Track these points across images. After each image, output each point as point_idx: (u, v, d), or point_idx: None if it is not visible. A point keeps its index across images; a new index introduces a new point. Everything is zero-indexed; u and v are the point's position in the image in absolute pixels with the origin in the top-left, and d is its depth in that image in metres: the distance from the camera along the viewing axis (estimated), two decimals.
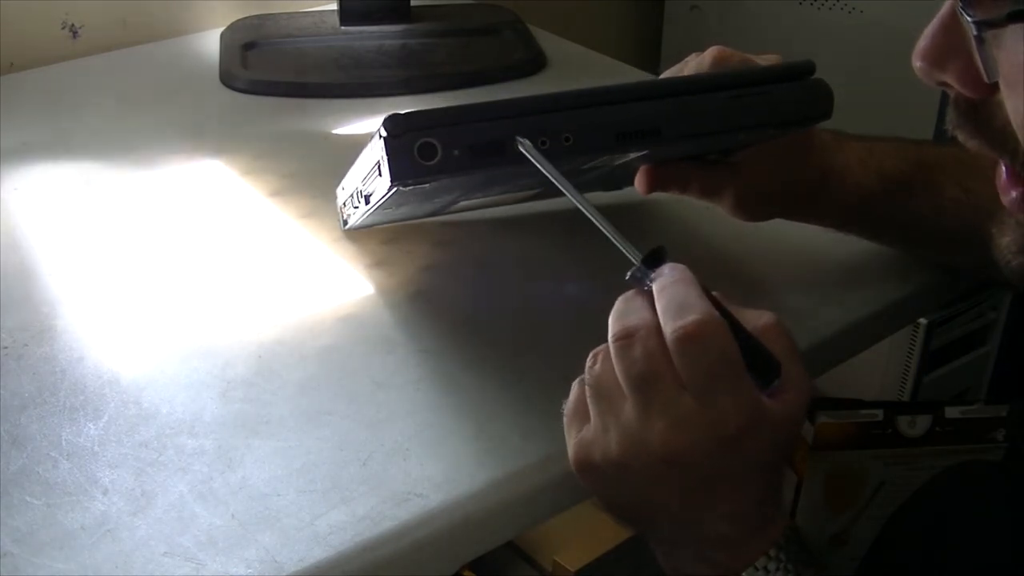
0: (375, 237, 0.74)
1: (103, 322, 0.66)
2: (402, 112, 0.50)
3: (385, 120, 0.50)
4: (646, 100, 0.55)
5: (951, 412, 0.91)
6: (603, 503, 0.51)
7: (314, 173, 0.83)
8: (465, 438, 0.56)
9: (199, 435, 0.56)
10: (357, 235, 0.74)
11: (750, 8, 1.38)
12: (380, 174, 0.53)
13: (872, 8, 1.23)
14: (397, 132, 0.50)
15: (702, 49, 0.62)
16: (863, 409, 0.90)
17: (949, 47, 0.40)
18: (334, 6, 1.09)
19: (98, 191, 0.81)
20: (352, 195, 0.65)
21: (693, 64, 0.62)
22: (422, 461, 0.54)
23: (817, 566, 0.49)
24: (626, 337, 0.47)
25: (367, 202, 0.61)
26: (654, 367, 0.46)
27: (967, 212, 0.64)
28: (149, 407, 0.58)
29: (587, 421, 0.49)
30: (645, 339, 0.46)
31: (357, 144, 0.60)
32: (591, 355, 0.49)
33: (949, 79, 0.41)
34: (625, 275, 0.49)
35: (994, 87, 0.40)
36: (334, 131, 0.93)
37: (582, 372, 0.50)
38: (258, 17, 1.12)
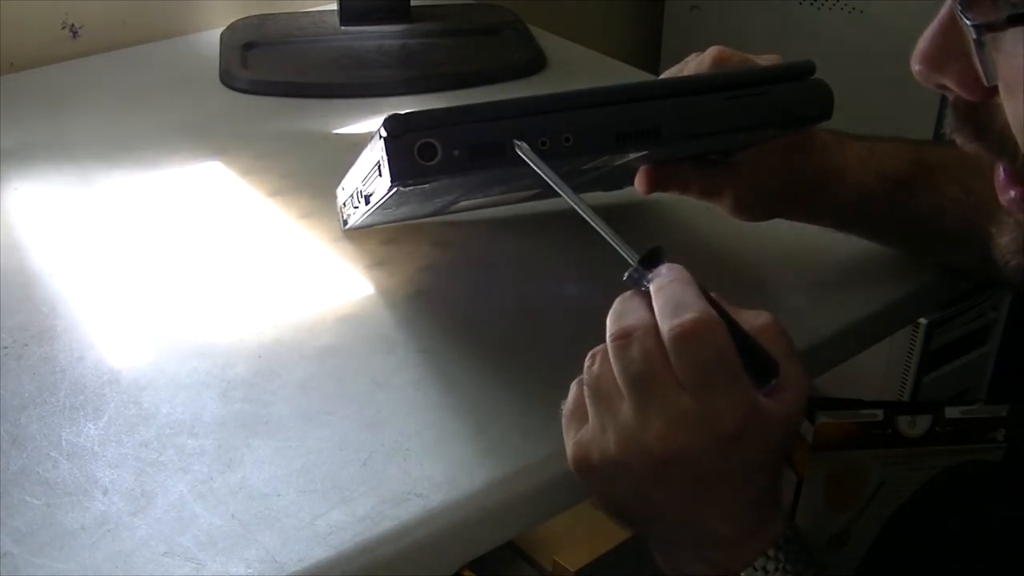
0: (375, 237, 0.74)
1: (103, 322, 0.66)
2: (402, 112, 0.50)
3: (385, 120, 0.50)
4: (646, 100, 0.55)
5: (951, 412, 0.90)
6: (602, 503, 0.51)
7: (314, 173, 0.83)
8: (465, 438, 0.56)
9: (199, 435, 0.56)
10: (357, 235, 0.74)
11: (750, 8, 1.38)
12: (380, 174, 0.53)
13: (872, 8, 1.23)
14: (397, 132, 0.50)
15: (702, 49, 0.62)
16: (863, 409, 0.89)
17: (948, 50, 0.40)
18: (334, 6, 1.09)
19: (98, 191, 0.81)
20: (352, 195, 0.65)
21: (693, 64, 0.62)
22: (422, 461, 0.54)
23: (816, 566, 0.49)
24: (624, 337, 0.47)
25: (367, 202, 0.61)
26: (651, 366, 0.46)
27: (967, 212, 0.64)
28: (149, 407, 0.58)
29: (586, 421, 0.49)
30: (643, 339, 0.46)
31: (357, 144, 0.60)
32: (589, 355, 0.49)
33: (948, 82, 0.41)
34: (623, 275, 0.49)
35: (993, 90, 0.39)
36: (334, 131, 0.93)
37: (581, 372, 0.50)
38: (258, 17, 1.12)
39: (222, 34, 1.09)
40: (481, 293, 0.69)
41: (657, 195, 0.66)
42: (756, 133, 0.59)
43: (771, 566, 0.47)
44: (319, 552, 0.49)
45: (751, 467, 0.47)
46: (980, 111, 0.41)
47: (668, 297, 0.47)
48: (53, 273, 0.71)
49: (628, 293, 0.49)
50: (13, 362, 0.61)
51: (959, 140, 0.43)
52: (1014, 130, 0.40)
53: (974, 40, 0.39)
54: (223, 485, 0.52)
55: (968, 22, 0.38)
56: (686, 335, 0.45)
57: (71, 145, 0.89)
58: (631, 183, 0.67)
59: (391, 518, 0.51)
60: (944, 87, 0.42)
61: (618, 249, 0.49)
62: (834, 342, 0.65)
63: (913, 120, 1.14)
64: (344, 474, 0.53)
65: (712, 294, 0.48)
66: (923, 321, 1.20)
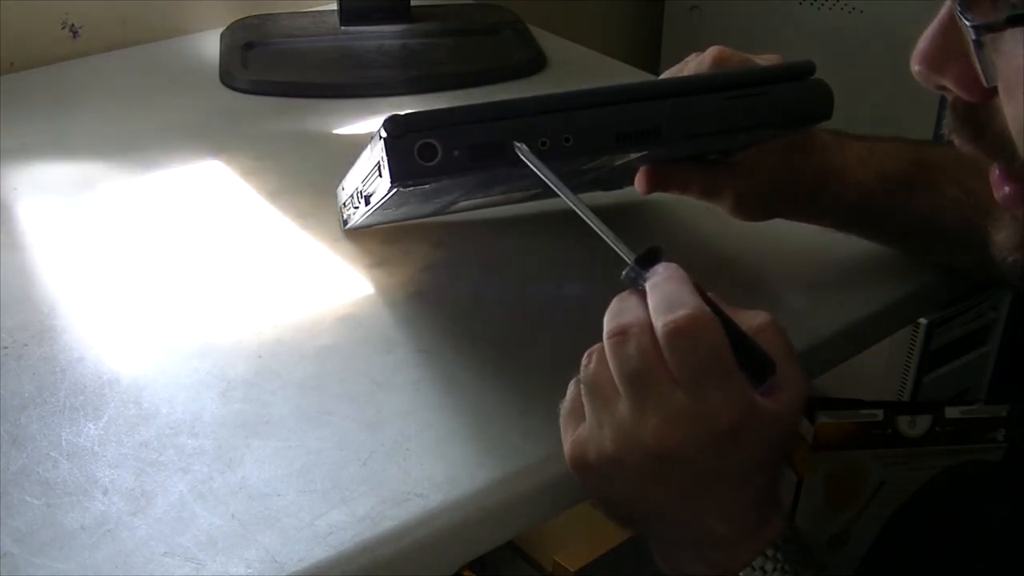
0: (375, 237, 0.74)
1: (103, 322, 0.66)
2: (402, 113, 0.50)
3: (385, 121, 0.50)
4: (646, 100, 0.55)
5: (951, 412, 0.91)
6: (600, 502, 0.51)
7: (314, 173, 0.83)
8: (465, 438, 0.56)
9: (199, 435, 0.56)
10: (357, 235, 0.74)
11: (750, 8, 1.37)
12: (380, 175, 0.53)
13: (872, 8, 1.23)
14: (397, 133, 0.50)
15: (702, 49, 0.62)
16: (863, 409, 0.90)
17: (947, 51, 0.40)
18: (334, 6, 1.09)
19: (98, 191, 0.81)
20: (352, 195, 0.65)
21: (693, 64, 0.62)
22: (422, 461, 0.54)
23: (815, 566, 0.49)
24: (620, 334, 0.47)
25: (367, 202, 0.61)
26: (647, 363, 0.46)
27: (967, 212, 0.64)
28: (149, 407, 0.58)
29: (583, 420, 0.49)
30: (639, 336, 0.46)
31: (357, 144, 0.60)
32: (586, 354, 0.49)
33: (947, 83, 0.41)
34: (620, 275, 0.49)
35: (993, 91, 0.39)
36: (334, 131, 0.93)
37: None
38: (258, 17, 1.12)
39: (222, 34, 1.09)
40: (481, 293, 0.69)
41: (657, 195, 0.66)
42: (756, 133, 0.59)
43: (770, 566, 0.47)
44: (319, 552, 0.49)
45: (749, 466, 0.47)
46: (979, 112, 0.41)
47: (662, 294, 0.47)
48: (53, 273, 0.71)
49: (625, 292, 0.50)
50: (13, 362, 0.61)
51: (958, 141, 0.44)
52: (1012, 131, 0.40)
53: (973, 41, 0.38)
54: (223, 485, 0.52)
55: (967, 23, 0.38)
56: (679, 331, 0.45)
57: (71, 145, 0.89)
58: (631, 183, 0.67)
59: (391, 518, 0.51)
60: (944, 88, 0.42)
61: (615, 249, 0.49)
62: (834, 342, 0.65)
63: (913, 120, 1.14)
64: (344, 474, 0.53)
65: (710, 294, 0.48)
66: (923, 321, 1.20)
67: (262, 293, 0.69)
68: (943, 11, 0.40)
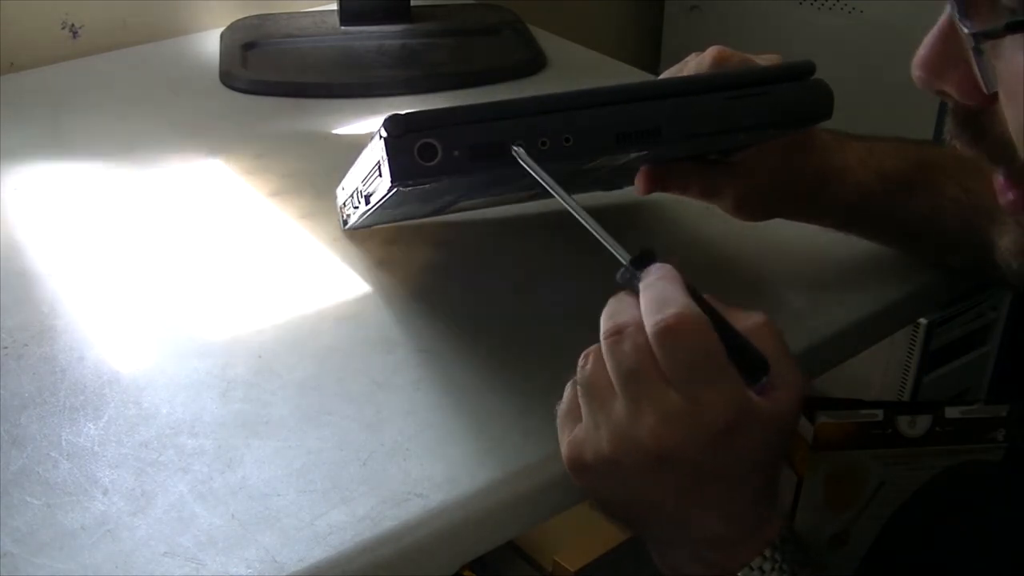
0: (375, 237, 0.74)
1: (103, 322, 0.66)
2: (402, 113, 0.50)
3: (385, 121, 0.50)
4: (646, 101, 0.55)
5: (951, 412, 0.91)
6: (598, 503, 0.51)
7: (314, 173, 0.83)
8: (465, 438, 0.56)
9: (199, 435, 0.56)
10: (357, 235, 0.74)
11: (750, 8, 1.37)
12: (380, 174, 0.53)
13: (872, 8, 1.23)
14: (397, 133, 0.50)
15: (702, 49, 0.62)
16: (863, 409, 0.90)
17: (948, 57, 0.40)
18: (334, 6, 1.09)
19: (98, 191, 0.81)
20: (352, 195, 0.65)
21: (693, 64, 0.62)
22: (422, 461, 0.54)
23: (813, 566, 0.49)
24: (615, 334, 0.47)
25: (367, 202, 0.61)
26: (643, 363, 0.46)
27: (967, 212, 0.64)
28: (149, 407, 0.58)
29: (580, 421, 0.49)
30: (634, 336, 0.47)
31: (357, 144, 0.60)
32: (583, 355, 0.49)
33: (948, 89, 0.41)
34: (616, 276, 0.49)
35: (993, 97, 0.40)
36: (334, 131, 0.93)
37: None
38: (258, 17, 1.12)
39: (222, 34, 1.09)
40: (481, 293, 0.69)
41: (657, 195, 0.66)
42: (756, 133, 0.59)
43: (768, 566, 0.47)
44: (319, 552, 0.49)
45: (746, 465, 0.47)
46: (980, 117, 0.41)
47: (653, 294, 0.47)
48: (53, 273, 0.71)
49: (621, 292, 0.50)
50: (13, 362, 0.61)
51: (959, 145, 0.44)
52: (1013, 136, 0.40)
53: (972, 48, 0.39)
54: (223, 485, 0.52)
55: (966, 30, 0.38)
56: (668, 330, 0.45)
57: (71, 145, 0.89)
58: (631, 183, 0.67)
59: (391, 518, 0.51)
60: (944, 93, 0.42)
61: (611, 250, 0.50)
62: (834, 342, 0.65)
63: (913, 120, 1.14)
64: (344, 474, 0.53)
65: (705, 295, 0.48)
66: (923, 321, 1.20)
67: (262, 293, 0.69)
68: (943, 18, 0.40)
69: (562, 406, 0.51)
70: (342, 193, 0.70)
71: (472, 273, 0.71)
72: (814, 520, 0.91)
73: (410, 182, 0.52)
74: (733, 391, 0.46)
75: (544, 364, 0.60)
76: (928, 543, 0.67)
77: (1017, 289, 0.96)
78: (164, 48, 1.10)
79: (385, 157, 0.51)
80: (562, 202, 0.50)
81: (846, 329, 0.66)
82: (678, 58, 0.64)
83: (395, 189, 0.52)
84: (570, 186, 0.51)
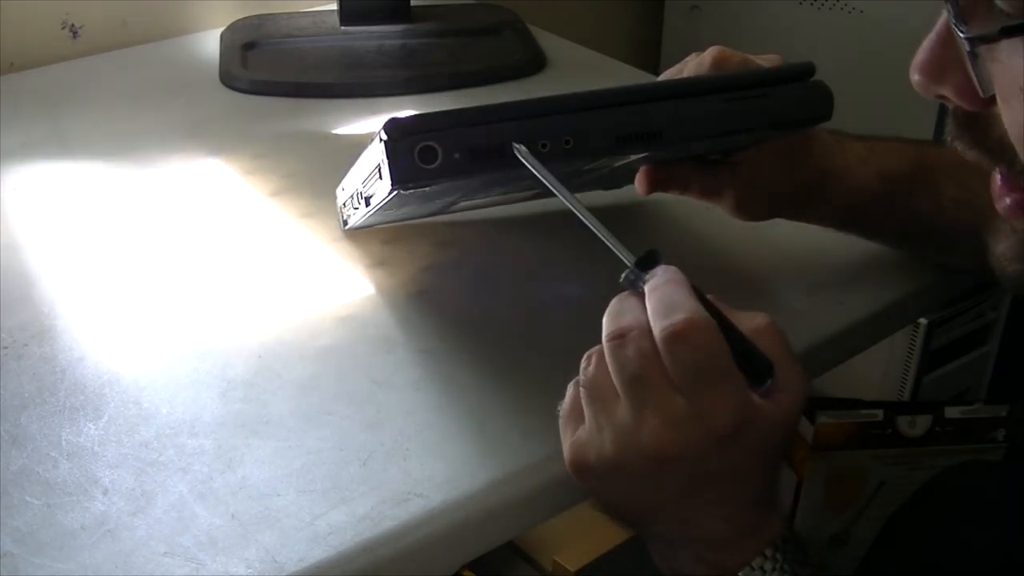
0: (375, 237, 0.74)
1: (103, 322, 0.66)
2: (402, 115, 0.50)
3: (386, 123, 0.50)
4: (646, 103, 0.55)
5: (951, 412, 0.91)
6: (599, 504, 0.51)
7: (314, 173, 0.83)
8: (465, 438, 0.56)
9: (199, 435, 0.56)
10: (357, 235, 0.74)
11: (750, 8, 1.37)
12: (380, 177, 0.53)
13: (872, 8, 1.23)
14: (398, 136, 0.50)
15: (702, 49, 0.62)
16: (863, 409, 0.90)
17: (946, 61, 0.40)
18: (334, 6, 1.09)
19: (98, 191, 0.81)
20: (352, 196, 0.65)
21: (693, 64, 0.62)
22: (422, 461, 0.54)
23: (814, 566, 0.49)
24: (619, 337, 0.47)
25: (367, 204, 0.61)
26: (647, 367, 0.46)
27: (967, 212, 0.64)
28: (149, 407, 0.58)
29: (582, 422, 0.49)
30: (638, 339, 0.46)
31: (357, 144, 0.60)
32: (585, 356, 0.49)
33: (947, 92, 0.41)
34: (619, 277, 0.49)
35: (991, 100, 0.40)
36: (334, 131, 0.93)
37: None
38: (258, 17, 1.12)
39: (222, 34, 1.09)
40: (481, 293, 0.69)
41: (657, 195, 0.66)
42: (757, 135, 0.59)
43: (768, 566, 0.48)
44: (319, 552, 0.49)
45: (748, 467, 0.47)
46: (979, 119, 0.41)
47: (660, 298, 0.47)
48: (53, 273, 0.71)
49: (624, 294, 0.50)
50: (13, 362, 0.61)
51: (959, 147, 0.44)
52: (1012, 138, 0.40)
53: (968, 52, 0.39)
54: (223, 485, 0.52)
55: (962, 35, 0.38)
56: (677, 335, 0.45)
57: (71, 145, 0.89)
58: (631, 182, 0.67)
59: (391, 518, 0.51)
60: (943, 97, 0.42)
61: (615, 251, 0.49)
62: (834, 342, 0.65)
63: (913, 121, 1.14)
64: (344, 474, 0.53)
65: (708, 296, 0.48)
66: (923, 321, 1.20)
67: (262, 293, 0.69)
68: (940, 22, 0.40)
69: (564, 407, 0.51)
70: (342, 193, 0.70)
71: (472, 273, 0.71)
72: (814, 520, 0.91)
73: (410, 185, 0.52)
74: (738, 396, 0.46)
75: (544, 364, 0.60)
76: (928, 543, 0.67)
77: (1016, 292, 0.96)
78: (164, 48, 1.10)
79: (385, 160, 0.51)
80: (565, 202, 0.50)
81: (846, 329, 0.66)
82: (678, 58, 0.64)
83: (395, 192, 0.52)
84: (569, 185, 0.51)
